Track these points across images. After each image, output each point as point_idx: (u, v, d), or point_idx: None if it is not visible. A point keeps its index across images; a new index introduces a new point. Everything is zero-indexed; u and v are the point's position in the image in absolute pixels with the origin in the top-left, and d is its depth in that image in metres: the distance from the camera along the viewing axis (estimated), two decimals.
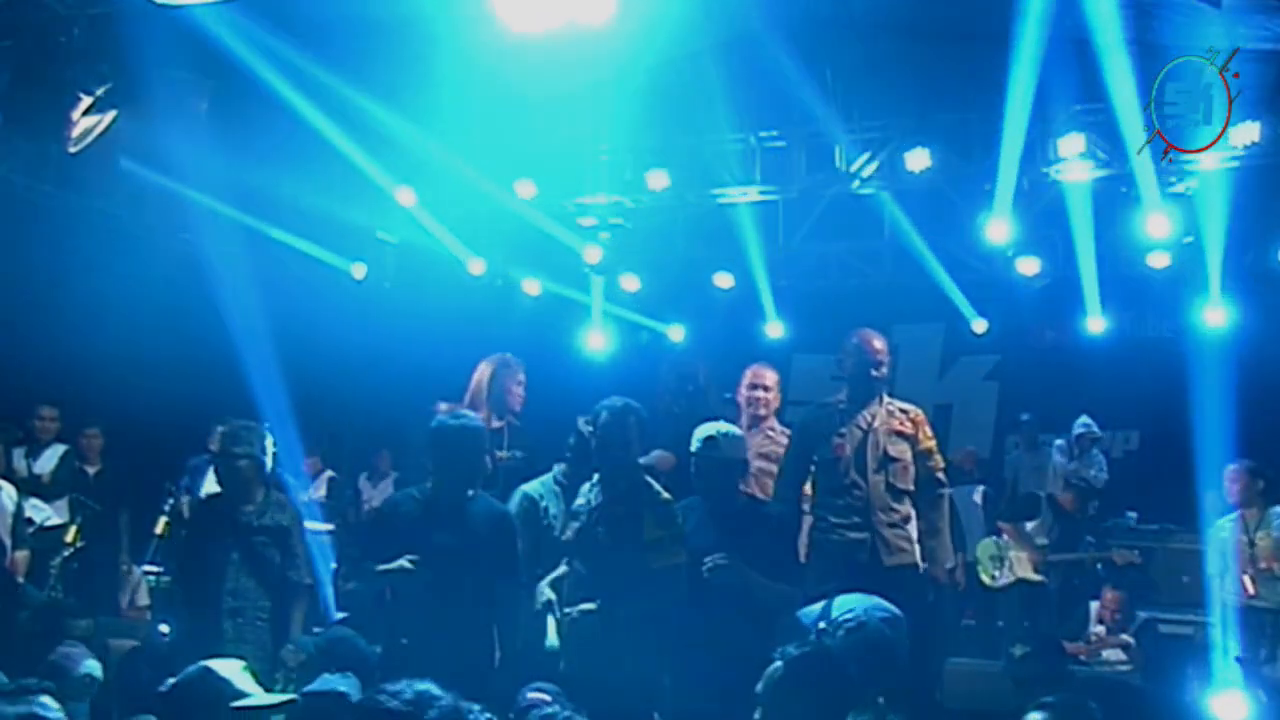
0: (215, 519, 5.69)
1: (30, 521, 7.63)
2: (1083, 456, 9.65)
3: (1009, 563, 8.40)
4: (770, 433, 6.38)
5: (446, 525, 4.95)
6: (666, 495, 5.02)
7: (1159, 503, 8.88)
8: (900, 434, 5.66)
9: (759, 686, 3.48)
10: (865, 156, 8.64)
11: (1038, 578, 8.33)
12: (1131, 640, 7.63)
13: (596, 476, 5.09)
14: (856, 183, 8.80)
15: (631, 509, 4.92)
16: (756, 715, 3.44)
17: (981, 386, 11.58)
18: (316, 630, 6.19)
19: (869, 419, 5.68)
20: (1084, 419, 9.71)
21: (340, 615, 7.41)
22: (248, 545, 5.58)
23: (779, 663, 3.50)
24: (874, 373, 5.74)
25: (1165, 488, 9.34)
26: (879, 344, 5.81)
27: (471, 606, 4.94)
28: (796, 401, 6.57)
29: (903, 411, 5.76)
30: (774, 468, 6.08)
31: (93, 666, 4.36)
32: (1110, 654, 7.60)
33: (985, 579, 8.43)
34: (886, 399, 5.81)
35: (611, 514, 4.93)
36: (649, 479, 5.08)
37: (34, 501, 7.90)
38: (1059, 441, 9.88)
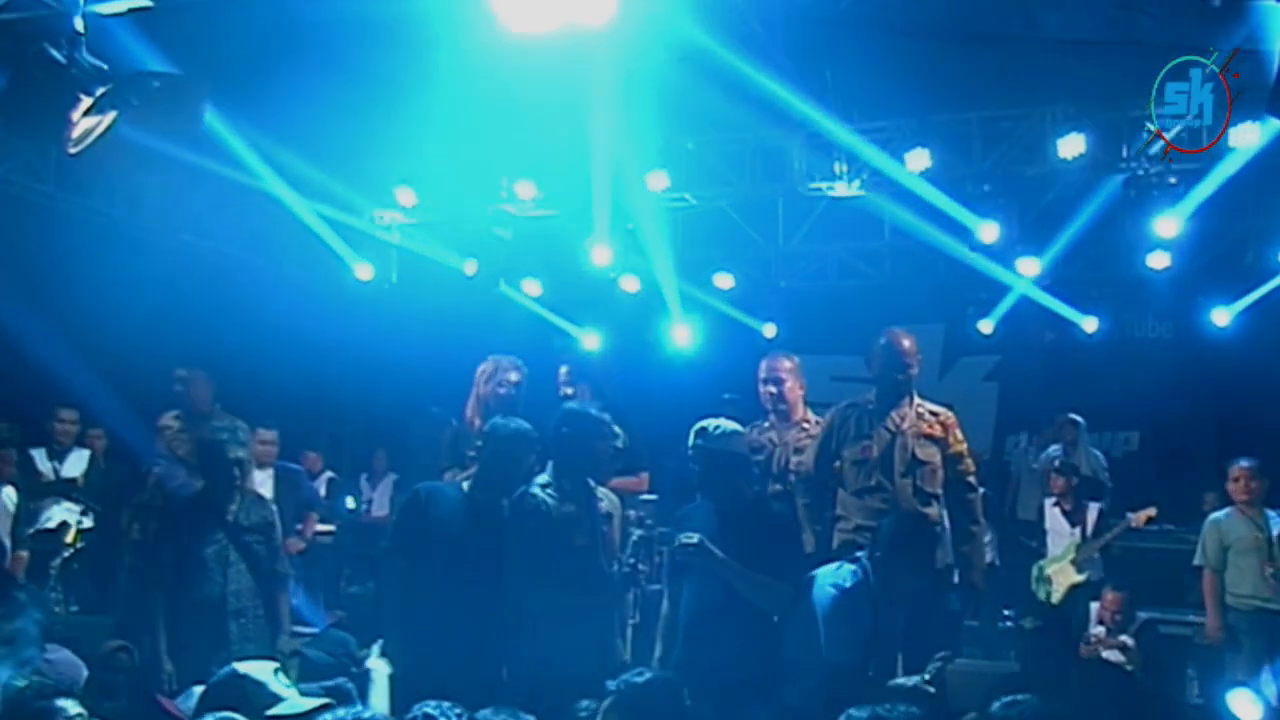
0: (202, 520, 5.71)
1: (65, 525, 7.71)
2: (1072, 450, 9.62)
3: (1051, 580, 8.41)
4: (805, 425, 6.11)
5: (483, 526, 5.00)
6: (604, 504, 5.09)
7: (1159, 503, 8.85)
8: (929, 437, 5.60)
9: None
10: (865, 157, 8.63)
11: (1081, 577, 8.31)
12: (1131, 641, 7.62)
13: (547, 478, 5.11)
14: (856, 184, 8.77)
15: (588, 512, 5.00)
16: None
17: (981, 387, 11.58)
18: (302, 630, 6.21)
19: (898, 420, 5.64)
20: (1070, 415, 9.71)
21: (332, 617, 7.43)
22: (242, 544, 5.66)
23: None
24: (902, 373, 5.69)
25: (1165, 488, 9.34)
26: (907, 344, 5.75)
27: (493, 610, 4.97)
28: None
29: (933, 414, 5.70)
30: None
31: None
32: (1110, 655, 7.58)
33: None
34: (917, 400, 5.74)
35: (572, 516, 4.98)
36: (597, 488, 5.12)
37: (68, 504, 7.94)
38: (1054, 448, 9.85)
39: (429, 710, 2.84)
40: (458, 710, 2.88)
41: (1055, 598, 8.34)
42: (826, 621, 4.67)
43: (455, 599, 4.90)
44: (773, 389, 6.12)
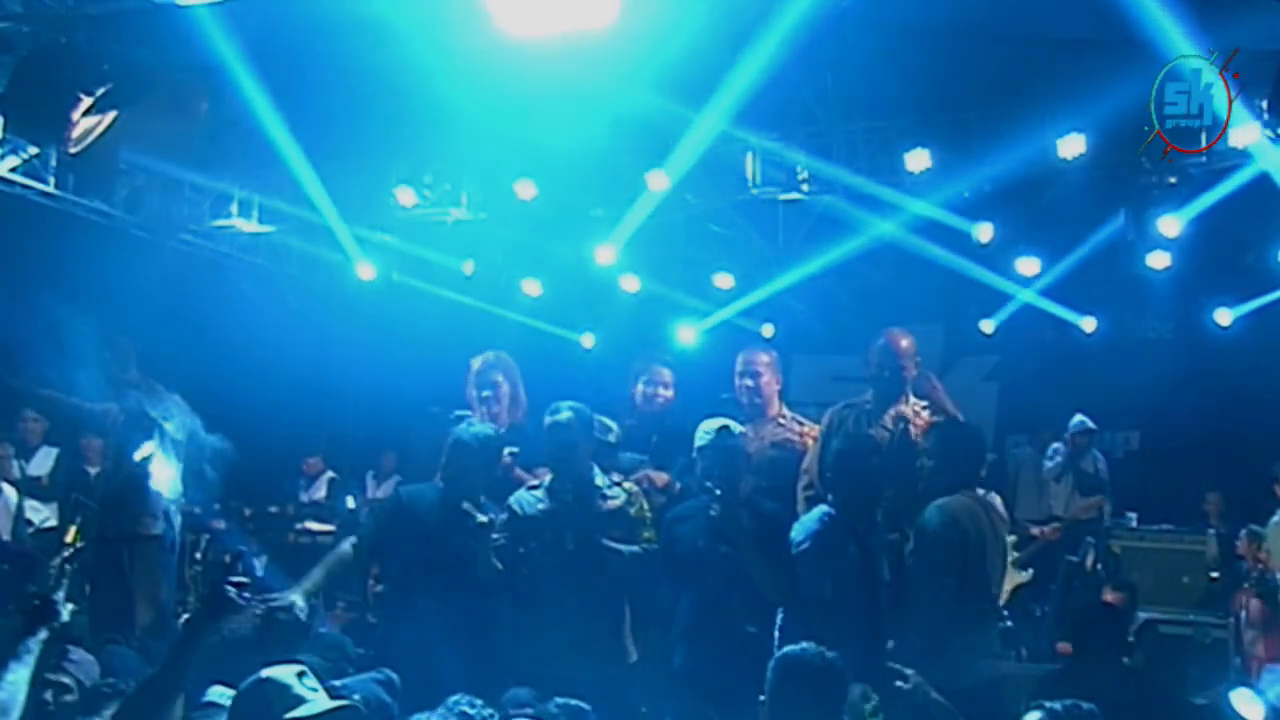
0: None
1: (29, 523, 7.67)
2: (1081, 455, 9.63)
3: None
4: (782, 420, 5.94)
5: (457, 526, 5.02)
6: (615, 502, 5.09)
7: (1159, 503, 8.87)
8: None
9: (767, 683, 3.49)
10: (865, 156, 8.62)
11: (1025, 576, 8.26)
12: (1131, 641, 7.61)
13: (545, 480, 5.16)
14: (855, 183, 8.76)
15: (581, 512, 5.01)
16: (763, 698, 3.45)
17: (981, 387, 11.58)
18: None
19: (896, 420, 5.64)
20: (1079, 417, 9.70)
21: (334, 619, 7.41)
22: None
23: (778, 655, 3.51)
24: (902, 373, 5.69)
25: (1165, 488, 9.35)
26: (905, 343, 5.74)
27: (478, 609, 5.00)
28: (797, 402, 6.49)
29: (927, 410, 5.68)
30: (790, 458, 5.83)
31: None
32: None
33: None
34: (913, 399, 5.73)
35: (561, 516, 5.01)
36: (600, 483, 5.14)
37: (31, 503, 7.93)
38: (1055, 445, 9.84)
39: (464, 708, 2.86)
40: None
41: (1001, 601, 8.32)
42: (803, 561, 4.78)
43: (437, 598, 4.94)
44: (749, 382, 5.94)
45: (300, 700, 3.04)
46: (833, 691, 3.41)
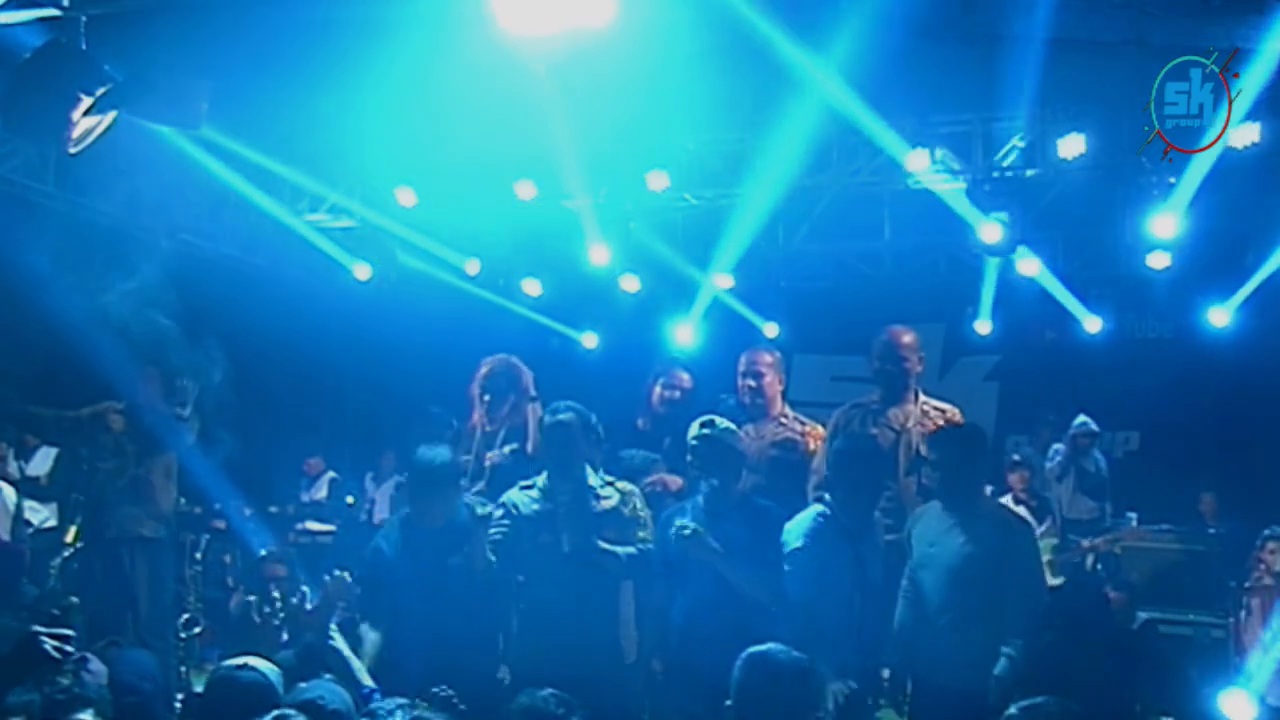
0: None
1: (28, 523, 7.67)
2: (1083, 455, 9.62)
3: None
4: (784, 420, 5.96)
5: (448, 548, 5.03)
6: (609, 502, 5.09)
7: (1159, 503, 8.84)
8: None
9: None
10: (866, 156, 8.62)
11: (1056, 581, 8.28)
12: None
13: (540, 481, 5.15)
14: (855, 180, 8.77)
15: (577, 512, 5.00)
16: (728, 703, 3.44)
17: (981, 387, 11.58)
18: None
19: (902, 419, 5.61)
20: (1081, 417, 9.69)
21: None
22: None
23: (745, 654, 3.50)
24: (904, 370, 5.68)
25: (1165, 488, 9.34)
26: (908, 340, 5.74)
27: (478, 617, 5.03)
28: (797, 402, 6.49)
29: (938, 410, 5.68)
30: (792, 457, 5.85)
31: None
32: None
33: None
34: (922, 397, 5.71)
35: (557, 517, 5.00)
36: (594, 483, 5.12)
37: (31, 503, 7.93)
38: (1056, 446, 9.84)
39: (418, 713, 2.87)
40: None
41: None
42: (797, 561, 4.79)
43: (436, 610, 4.97)
44: (752, 382, 5.96)
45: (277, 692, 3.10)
46: (801, 692, 3.39)
